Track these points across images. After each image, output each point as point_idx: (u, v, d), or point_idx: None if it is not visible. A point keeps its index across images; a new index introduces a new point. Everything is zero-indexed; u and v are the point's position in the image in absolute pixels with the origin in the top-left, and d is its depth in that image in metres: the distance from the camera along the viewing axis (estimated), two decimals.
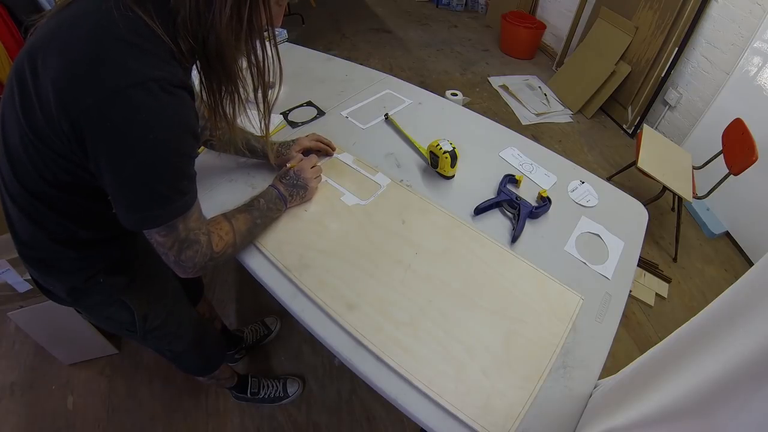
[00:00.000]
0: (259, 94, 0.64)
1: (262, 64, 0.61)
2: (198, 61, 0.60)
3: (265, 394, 1.41)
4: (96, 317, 0.85)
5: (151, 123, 0.52)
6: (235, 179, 1.02)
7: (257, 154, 1.01)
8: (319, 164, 0.99)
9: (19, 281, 1.21)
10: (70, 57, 0.51)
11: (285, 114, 1.25)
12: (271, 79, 0.64)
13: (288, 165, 0.97)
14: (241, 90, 0.63)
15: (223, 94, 0.62)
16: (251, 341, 1.56)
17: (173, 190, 0.59)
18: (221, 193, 0.99)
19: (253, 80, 0.62)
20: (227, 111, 0.64)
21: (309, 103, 1.29)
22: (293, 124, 1.22)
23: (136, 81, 0.50)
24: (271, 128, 1.11)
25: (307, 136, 1.06)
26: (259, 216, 0.83)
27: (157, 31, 0.52)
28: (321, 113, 1.26)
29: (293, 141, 1.04)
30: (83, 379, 1.51)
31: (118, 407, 1.44)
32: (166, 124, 0.54)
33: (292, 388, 1.44)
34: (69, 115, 0.51)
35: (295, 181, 0.91)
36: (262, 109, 0.66)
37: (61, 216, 0.65)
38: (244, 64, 0.60)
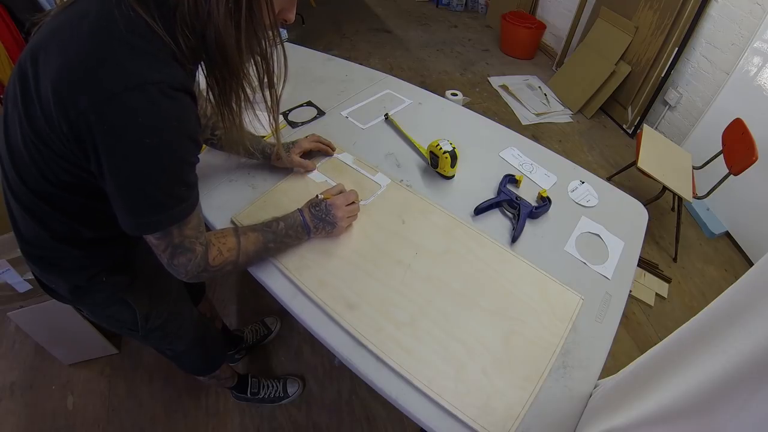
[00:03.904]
0: (265, 88, 0.62)
1: (266, 53, 0.58)
2: (201, 60, 0.58)
3: (265, 394, 1.41)
4: (97, 316, 0.85)
5: (148, 127, 0.51)
6: (235, 179, 1.02)
7: (258, 155, 1.00)
8: (358, 203, 0.90)
9: (19, 281, 1.21)
10: (69, 57, 0.50)
11: (285, 114, 1.25)
12: (276, 71, 0.61)
13: (321, 194, 0.89)
14: (245, 85, 0.61)
15: (228, 91, 0.60)
16: (251, 341, 1.56)
17: (170, 196, 0.58)
18: (221, 193, 0.99)
19: (258, 72, 0.60)
20: (233, 108, 0.63)
21: (309, 103, 1.29)
22: (293, 124, 1.22)
23: (134, 84, 0.49)
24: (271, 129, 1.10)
25: (306, 137, 1.05)
26: (274, 240, 0.79)
27: (158, 31, 0.52)
28: (321, 113, 1.26)
29: (293, 143, 1.03)
30: (83, 379, 1.51)
31: (118, 407, 1.44)
32: (164, 129, 0.53)
33: (292, 388, 1.44)
34: (68, 117, 0.51)
35: (324, 215, 0.84)
36: (269, 103, 0.64)
37: (64, 215, 0.64)
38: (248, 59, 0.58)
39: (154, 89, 0.51)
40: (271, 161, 1.01)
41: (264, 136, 1.08)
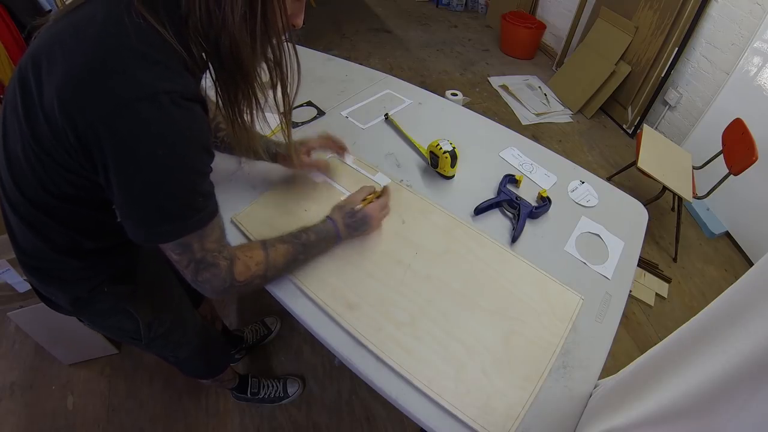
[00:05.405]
0: (278, 93, 0.61)
1: (279, 59, 0.57)
2: (212, 67, 0.57)
3: (265, 394, 1.41)
4: (99, 326, 0.83)
5: (161, 138, 0.50)
6: (235, 179, 1.02)
7: (265, 156, 0.95)
8: (389, 205, 0.90)
9: (19, 281, 1.22)
10: (76, 65, 0.48)
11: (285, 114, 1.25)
12: (289, 77, 0.60)
13: (357, 206, 0.85)
14: (258, 92, 0.60)
15: (239, 98, 0.59)
16: (251, 341, 1.56)
17: (186, 207, 0.56)
18: (221, 192, 0.96)
19: (271, 78, 0.59)
20: (245, 116, 0.61)
21: (309, 103, 1.29)
22: (293, 124, 1.22)
23: (145, 93, 0.48)
24: (273, 128, 1.10)
25: (318, 136, 0.98)
26: (303, 251, 0.76)
27: (169, 40, 0.50)
28: (321, 113, 1.26)
29: (300, 143, 0.97)
30: (83, 379, 1.51)
31: (118, 407, 1.44)
32: (177, 139, 0.51)
33: (292, 388, 1.44)
34: (75, 128, 0.49)
35: (360, 225, 0.83)
36: (281, 108, 0.62)
37: (64, 226, 0.62)
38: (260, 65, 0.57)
39: (166, 99, 0.49)
40: (278, 161, 0.96)
41: (248, 127, 1.06)
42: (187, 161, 0.54)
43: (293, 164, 0.95)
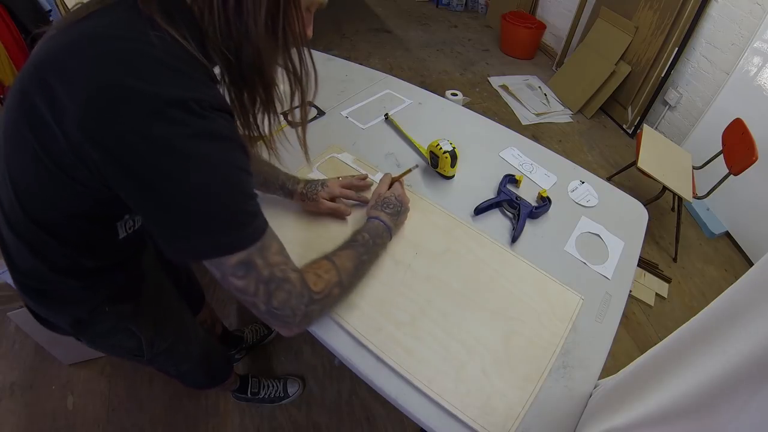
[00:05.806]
0: (296, 105, 0.60)
1: (299, 70, 0.56)
2: (230, 77, 0.55)
3: (266, 394, 1.41)
4: (99, 346, 0.81)
5: (198, 139, 0.47)
6: None
7: (282, 191, 0.90)
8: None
9: None
10: (97, 79, 0.45)
11: (285, 114, 1.25)
12: (306, 84, 0.59)
13: (384, 193, 0.87)
14: (276, 102, 0.58)
15: (257, 106, 0.58)
16: (251, 341, 1.56)
17: (240, 212, 0.51)
18: None
19: (291, 86, 0.58)
20: (263, 129, 0.60)
21: (309, 103, 1.28)
22: (293, 124, 1.22)
23: (175, 99, 0.45)
24: (301, 148, 1.07)
25: (341, 181, 0.95)
26: (365, 252, 0.74)
27: (194, 52, 0.49)
28: (321, 113, 1.26)
29: (322, 184, 0.91)
30: (83, 379, 1.51)
31: (118, 407, 1.44)
32: (213, 138, 0.48)
33: (293, 388, 1.44)
34: (100, 143, 0.46)
35: (398, 209, 0.85)
36: (297, 119, 0.62)
37: (65, 245, 0.60)
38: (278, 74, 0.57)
39: (195, 106, 0.47)
40: (294, 199, 0.91)
41: (264, 136, 1.07)
42: (229, 158, 0.50)
43: (309, 202, 0.91)
